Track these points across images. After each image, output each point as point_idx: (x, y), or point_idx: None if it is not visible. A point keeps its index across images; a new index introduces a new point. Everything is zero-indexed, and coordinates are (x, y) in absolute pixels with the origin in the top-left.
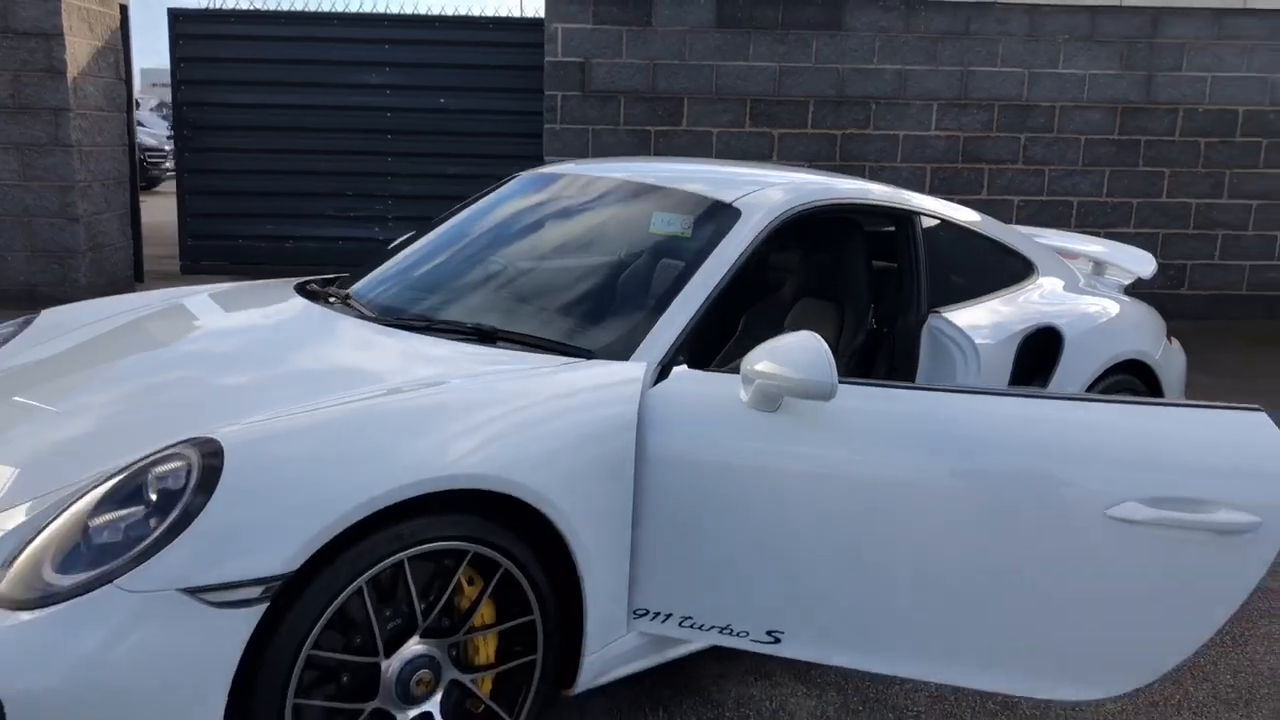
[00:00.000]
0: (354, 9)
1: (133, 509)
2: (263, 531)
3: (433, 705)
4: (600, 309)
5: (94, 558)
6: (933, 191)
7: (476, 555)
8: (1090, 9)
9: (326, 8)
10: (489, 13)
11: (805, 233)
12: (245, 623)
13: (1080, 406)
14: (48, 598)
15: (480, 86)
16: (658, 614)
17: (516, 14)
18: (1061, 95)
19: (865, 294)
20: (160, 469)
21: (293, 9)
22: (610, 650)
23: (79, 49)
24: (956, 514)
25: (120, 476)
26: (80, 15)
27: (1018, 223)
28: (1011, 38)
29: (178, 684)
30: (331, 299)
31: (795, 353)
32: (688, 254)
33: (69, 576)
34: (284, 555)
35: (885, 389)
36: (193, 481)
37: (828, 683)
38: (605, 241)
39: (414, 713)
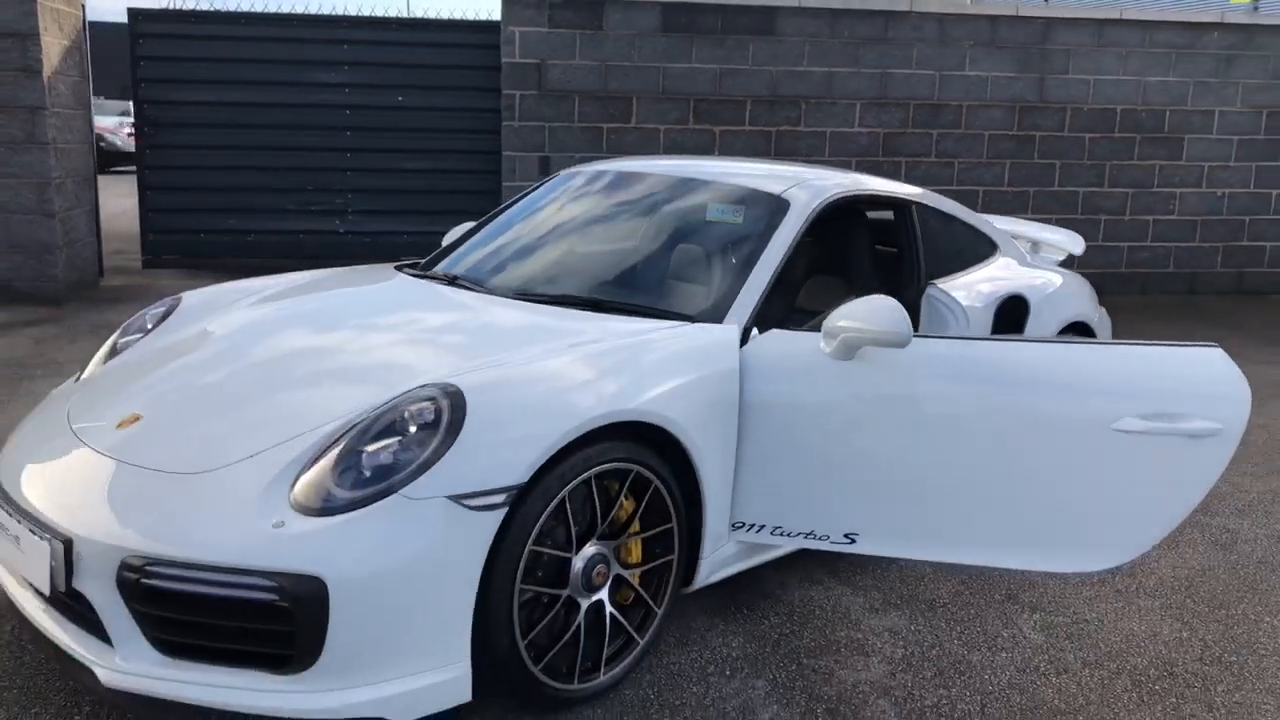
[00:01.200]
0: (314, 9)
1: (395, 438)
2: (502, 451)
3: (603, 595)
4: (688, 282)
5: (375, 474)
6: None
7: (636, 475)
8: (991, 18)
9: (287, 8)
10: (445, 13)
11: (814, 219)
12: (492, 522)
13: (1087, 349)
14: (334, 506)
15: (436, 85)
16: (753, 525)
17: (471, 16)
18: (967, 95)
19: (869, 270)
20: (414, 407)
21: (252, 10)
22: (716, 556)
23: (51, 49)
24: (998, 435)
25: (380, 414)
26: (52, 16)
27: None
28: (924, 43)
29: (445, 569)
30: (438, 278)
31: (877, 311)
32: (751, 237)
33: (355, 490)
34: (518, 470)
35: (940, 339)
36: (445, 415)
37: (869, 584)
38: (675, 227)
39: (592, 599)
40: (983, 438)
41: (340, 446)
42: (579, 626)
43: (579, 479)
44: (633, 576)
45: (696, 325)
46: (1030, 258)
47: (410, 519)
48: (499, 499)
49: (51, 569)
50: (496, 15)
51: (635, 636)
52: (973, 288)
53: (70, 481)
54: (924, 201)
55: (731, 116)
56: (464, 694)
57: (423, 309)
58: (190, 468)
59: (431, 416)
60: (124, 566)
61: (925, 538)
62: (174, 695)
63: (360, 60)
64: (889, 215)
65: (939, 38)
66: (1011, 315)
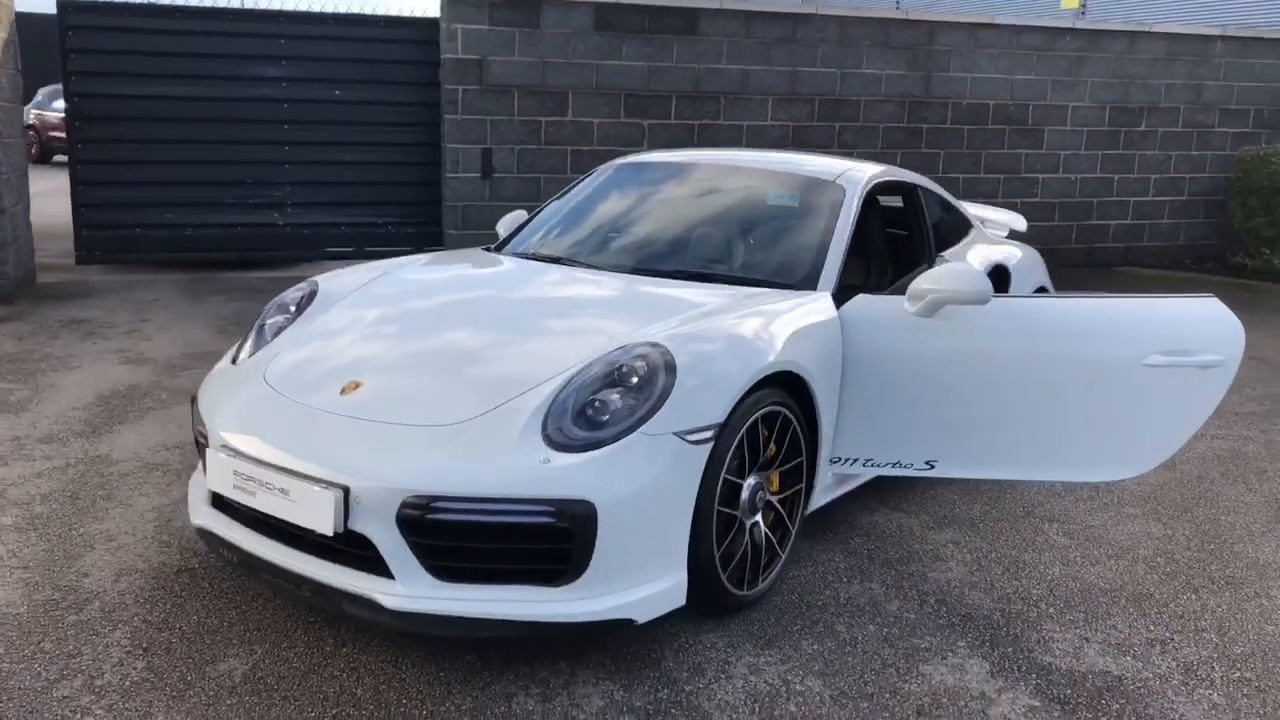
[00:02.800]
0: (250, 4)
1: (617, 388)
2: (707, 395)
3: (759, 517)
4: (777, 256)
5: (614, 417)
6: None
7: (782, 417)
8: (882, 20)
9: (223, 2)
10: (382, 10)
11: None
12: (703, 454)
13: (1117, 303)
14: (585, 443)
15: (374, 80)
16: (849, 459)
17: (408, 13)
18: (864, 91)
19: (884, 248)
20: (632, 362)
21: (186, 4)
22: (820, 487)
23: None
24: (1053, 375)
25: (600, 368)
26: None
27: None
28: (827, 43)
29: (674, 493)
30: (543, 259)
31: (960, 276)
32: (822, 217)
33: (596, 431)
34: (719, 410)
35: (1008, 299)
36: (662, 367)
37: (916, 509)
38: (747, 209)
39: (753, 520)
40: (1041, 376)
41: (573, 397)
42: (747, 542)
43: (751, 419)
44: (776, 502)
45: (798, 293)
46: (989, 234)
47: (650, 452)
48: (708, 434)
49: (334, 514)
50: (432, 12)
51: (779, 551)
52: (968, 259)
53: (324, 441)
54: (927, 186)
55: (659, 110)
56: (681, 599)
57: (565, 284)
58: (442, 420)
59: (646, 369)
60: (405, 505)
61: (991, 461)
62: (458, 611)
63: (298, 55)
64: (897, 201)
65: (839, 39)
66: (998, 282)
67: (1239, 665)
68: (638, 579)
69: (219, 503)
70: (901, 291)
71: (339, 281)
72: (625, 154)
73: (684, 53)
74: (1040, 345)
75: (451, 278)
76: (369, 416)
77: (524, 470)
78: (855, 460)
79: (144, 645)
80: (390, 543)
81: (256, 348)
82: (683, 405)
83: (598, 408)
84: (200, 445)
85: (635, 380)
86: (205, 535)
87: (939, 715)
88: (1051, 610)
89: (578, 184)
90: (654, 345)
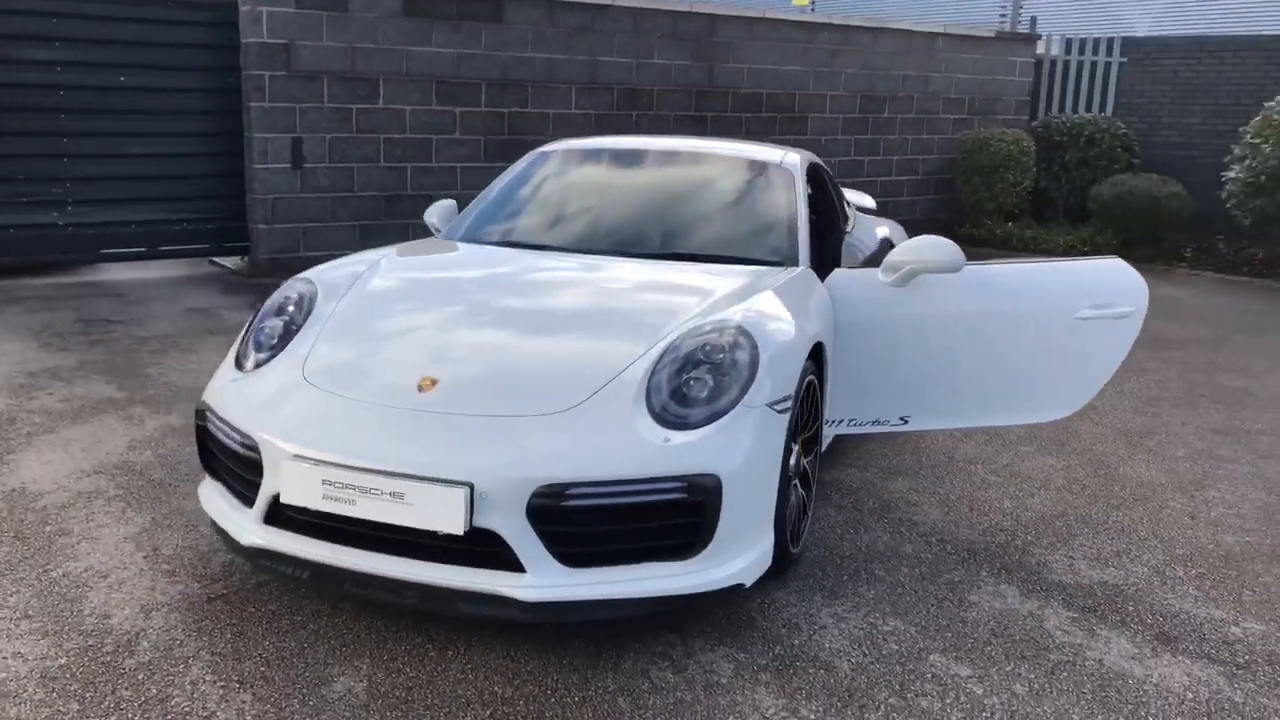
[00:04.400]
0: None
1: (705, 366)
2: (784, 368)
3: (797, 480)
4: (759, 235)
5: (711, 393)
6: None
7: (811, 383)
8: (671, 13)
9: None
10: None
11: None
12: (785, 423)
13: (1053, 265)
14: (695, 420)
15: (165, 64)
16: (835, 420)
17: None
18: (657, 81)
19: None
20: (716, 342)
21: None
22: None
23: None
24: (1006, 331)
25: (687, 348)
26: None
27: None
28: (623, 34)
29: (770, 459)
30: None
31: (935, 247)
32: (779, 197)
33: (698, 408)
34: (793, 381)
35: (971, 266)
36: (747, 345)
37: (866, 463)
38: (709, 191)
39: (794, 481)
40: (997, 333)
41: (667, 377)
42: (794, 503)
43: (802, 388)
44: (805, 464)
45: (787, 269)
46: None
47: (753, 424)
48: (788, 404)
49: (464, 513)
50: None
51: (807, 509)
52: (863, 232)
53: (431, 440)
54: (826, 170)
55: (469, 98)
56: (769, 560)
57: (578, 269)
58: (546, 409)
59: (732, 347)
60: (536, 495)
61: (956, 412)
62: (591, 596)
63: (73, 36)
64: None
65: (634, 30)
66: (883, 252)
67: (1190, 563)
68: (744, 545)
69: (273, 518)
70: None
71: (331, 277)
72: (435, 141)
73: (492, 40)
74: (994, 306)
75: (457, 267)
76: (463, 411)
77: (650, 450)
78: (841, 421)
79: (236, 678)
80: (519, 534)
81: (268, 352)
82: (768, 378)
83: (693, 385)
84: (221, 462)
85: (722, 358)
86: (262, 555)
87: (1009, 634)
88: (1029, 537)
89: (517, 172)
90: (733, 324)
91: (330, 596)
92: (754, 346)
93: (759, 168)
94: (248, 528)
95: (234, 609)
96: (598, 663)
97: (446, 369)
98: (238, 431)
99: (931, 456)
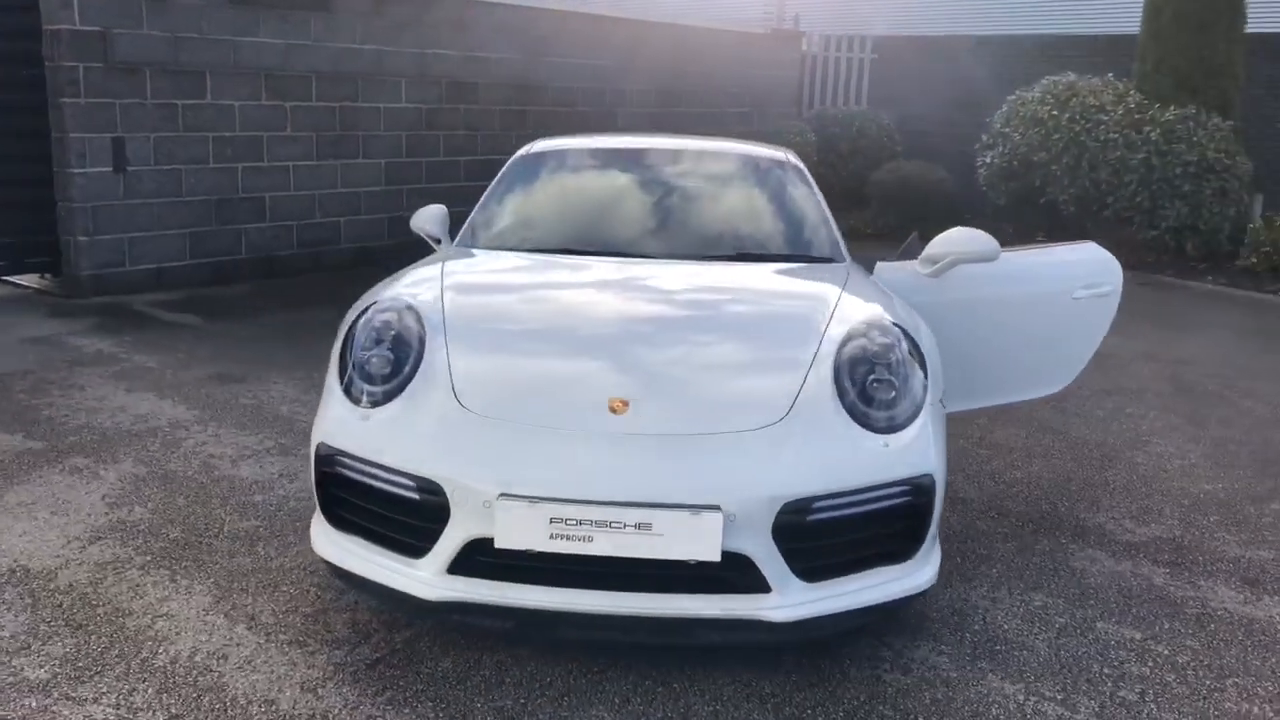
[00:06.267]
0: None
1: (880, 366)
2: (935, 361)
3: None
4: (798, 232)
5: (900, 391)
6: (408, 155)
7: None
8: (492, 5)
9: None
10: None
11: None
12: (944, 416)
13: (1051, 250)
14: (896, 424)
15: None
16: None
17: None
18: (483, 74)
19: None
20: (882, 342)
21: None
22: None
23: None
24: (1021, 314)
25: (854, 351)
26: None
27: (465, 177)
28: (450, 26)
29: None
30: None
31: (970, 239)
32: (801, 193)
33: (890, 410)
34: (942, 374)
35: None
36: (909, 346)
37: None
38: (735, 191)
39: None
40: (1013, 316)
41: (848, 381)
42: None
43: None
44: None
45: (844, 264)
46: None
47: (939, 420)
48: (944, 396)
49: (720, 538)
50: None
51: None
52: None
53: (657, 465)
54: None
55: (300, 92)
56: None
57: (672, 276)
58: (756, 423)
59: (900, 347)
60: (782, 512)
61: (984, 392)
62: (832, 609)
63: None
64: None
65: (460, 22)
66: None
67: (1201, 511)
68: (935, 543)
69: (461, 567)
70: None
71: (417, 298)
72: (266, 139)
73: (321, 31)
74: (1006, 291)
75: (533, 277)
76: (671, 431)
77: (871, 456)
78: None
79: None
80: (766, 554)
81: (387, 383)
82: (933, 375)
83: (878, 388)
84: (369, 511)
85: (893, 358)
86: (453, 609)
87: (1137, 595)
88: (1064, 503)
89: (521, 175)
90: (886, 323)
91: (530, 643)
92: (915, 344)
93: (774, 165)
94: (429, 580)
95: (407, 672)
96: (828, 677)
97: (628, 388)
98: (402, 474)
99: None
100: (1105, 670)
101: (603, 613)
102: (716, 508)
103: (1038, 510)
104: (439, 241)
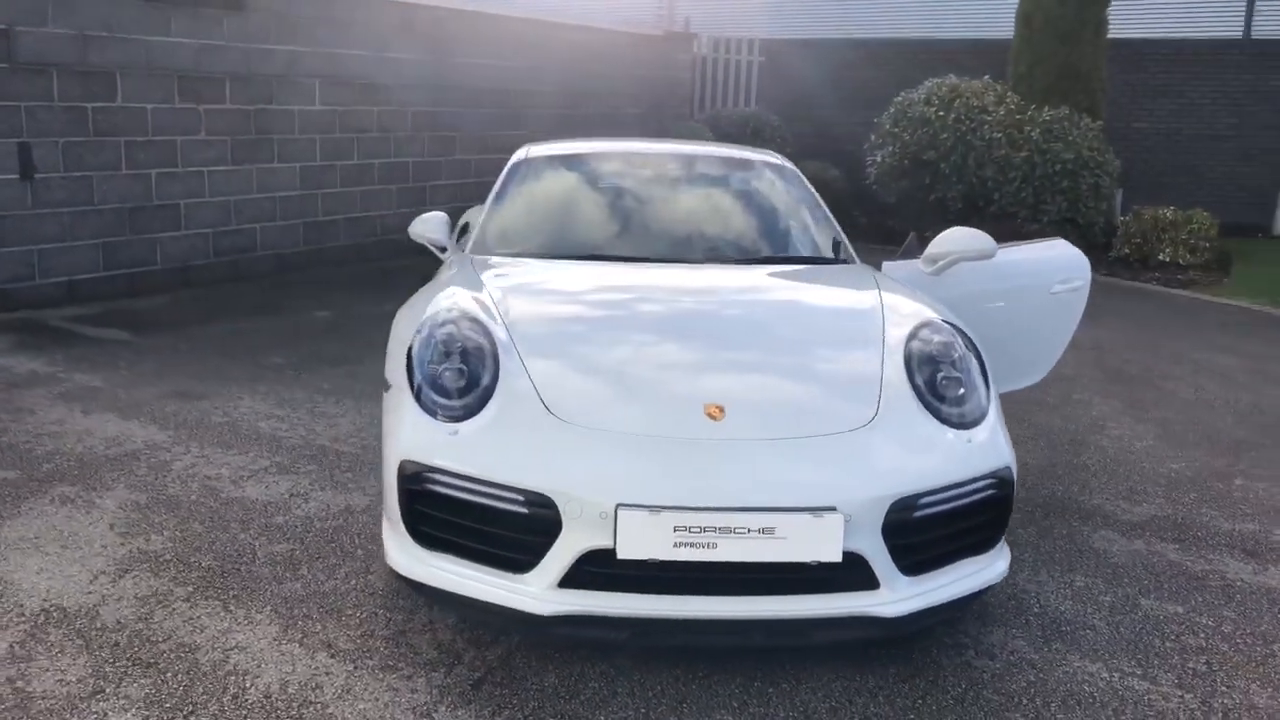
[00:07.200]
0: None
1: (944, 363)
2: (985, 357)
3: None
4: (811, 234)
5: (968, 384)
6: (323, 158)
7: None
8: (402, 4)
9: None
10: None
11: None
12: None
13: (1030, 247)
14: (968, 419)
15: None
16: None
17: None
18: (396, 75)
19: None
20: (944, 340)
21: None
22: None
23: None
24: (1009, 307)
25: (919, 348)
26: None
27: (380, 180)
28: (361, 26)
29: None
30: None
31: (969, 237)
32: (806, 196)
33: (964, 405)
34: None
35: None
36: (966, 342)
37: None
38: (742, 194)
39: None
40: (1002, 311)
41: (921, 378)
42: None
43: None
44: None
45: (852, 263)
46: None
47: (1001, 413)
48: None
49: (842, 538)
50: None
51: None
52: None
53: (763, 471)
54: None
55: (214, 94)
56: None
57: (694, 279)
58: (851, 424)
59: (960, 345)
60: (891, 510)
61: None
62: (936, 601)
63: None
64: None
65: (370, 21)
66: None
67: (1178, 489)
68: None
69: (570, 579)
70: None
71: (469, 308)
72: (180, 143)
73: (234, 30)
74: (997, 287)
75: (577, 283)
76: (770, 435)
77: (961, 451)
78: None
79: None
80: (877, 552)
81: (464, 396)
82: (989, 368)
83: (944, 384)
84: (465, 528)
85: (956, 355)
86: (566, 622)
87: (1162, 572)
88: (1061, 488)
89: (520, 180)
90: (937, 321)
91: (637, 652)
92: (970, 341)
93: (773, 169)
94: (540, 595)
95: (515, 690)
96: (924, 668)
97: (719, 393)
98: (508, 489)
99: None
100: (1166, 644)
101: (719, 617)
102: (834, 509)
103: (1039, 495)
104: (442, 249)
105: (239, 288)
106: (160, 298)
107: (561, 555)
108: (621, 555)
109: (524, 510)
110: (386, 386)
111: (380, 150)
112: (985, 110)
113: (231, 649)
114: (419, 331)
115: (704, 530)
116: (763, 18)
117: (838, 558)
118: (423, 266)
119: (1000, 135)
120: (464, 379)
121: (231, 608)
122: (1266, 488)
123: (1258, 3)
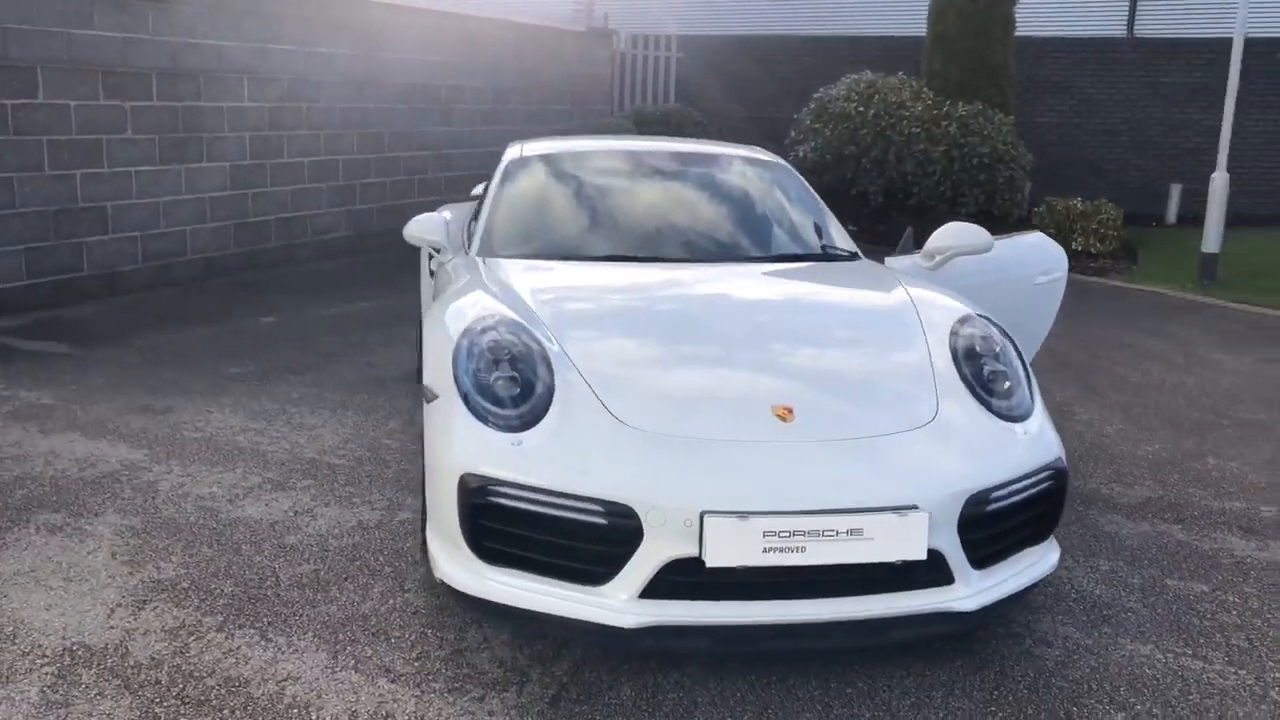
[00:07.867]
0: None
1: (986, 359)
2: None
3: None
4: (816, 231)
5: (1014, 380)
6: (252, 157)
7: None
8: None
9: None
10: None
11: None
12: None
13: (1015, 241)
14: (1017, 413)
15: None
16: None
17: None
18: (326, 70)
19: None
20: (983, 335)
21: None
22: None
23: None
24: (1000, 298)
25: (963, 344)
26: None
27: (310, 178)
28: (291, 19)
29: None
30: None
31: (965, 232)
32: (805, 193)
33: (1012, 398)
34: None
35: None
36: (1004, 337)
37: None
38: (745, 191)
39: None
40: (993, 302)
41: (970, 378)
42: None
43: None
44: None
45: (859, 259)
46: None
47: (1045, 407)
48: None
49: (927, 536)
50: None
51: None
52: None
53: (845, 472)
54: None
55: (139, 91)
56: None
57: (717, 279)
58: (915, 421)
59: (999, 340)
60: (966, 505)
61: None
62: (1005, 593)
63: None
64: None
65: (299, 15)
66: None
67: (1162, 471)
68: None
69: (652, 589)
70: None
71: (512, 317)
72: (106, 142)
73: (160, 23)
74: (988, 279)
75: (599, 283)
76: (841, 435)
77: (1020, 445)
78: None
79: None
80: (953, 548)
81: (519, 405)
82: (1025, 359)
83: (991, 378)
84: (535, 542)
85: (997, 348)
86: (649, 634)
87: (1175, 552)
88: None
89: (518, 179)
90: (974, 316)
91: (707, 660)
92: (1004, 333)
93: (771, 167)
94: (622, 607)
95: (595, 705)
96: (989, 659)
97: (784, 394)
98: (585, 499)
99: None
100: (1205, 623)
101: (807, 621)
102: (917, 507)
103: None
104: (438, 250)
105: (171, 293)
106: (89, 306)
107: (643, 565)
108: (710, 563)
109: (602, 521)
110: (430, 398)
111: (310, 148)
112: (904, 106)
113: (284, 680)
114: (462, 338)
115: (793, 534)
116: (680, 14)
117: (923, 555)
118: (356, 269)
119: (919, 130)
120: (517, 386)
121: (270, 635)
122: (1238, 466)
123: (1140, 2)
